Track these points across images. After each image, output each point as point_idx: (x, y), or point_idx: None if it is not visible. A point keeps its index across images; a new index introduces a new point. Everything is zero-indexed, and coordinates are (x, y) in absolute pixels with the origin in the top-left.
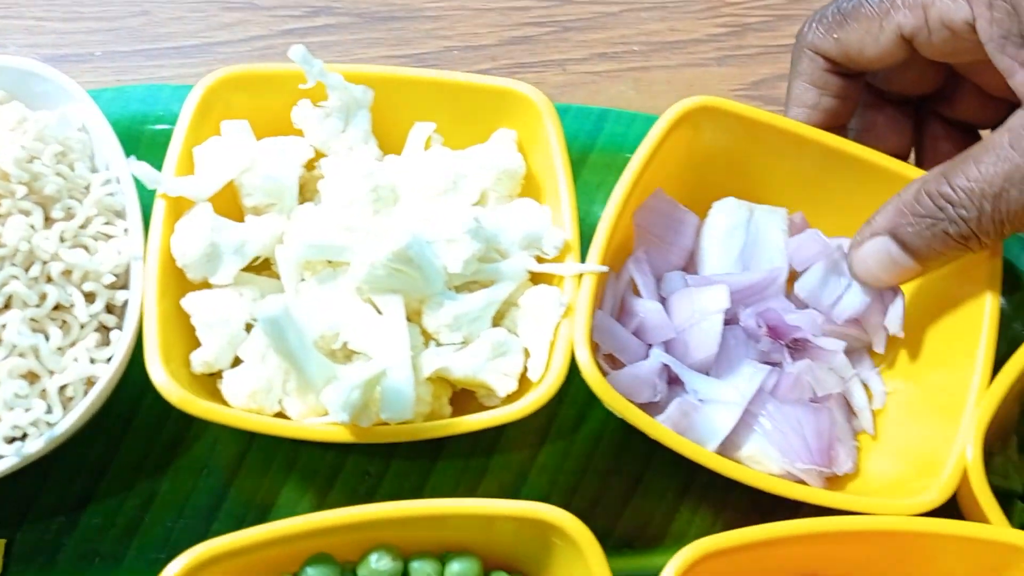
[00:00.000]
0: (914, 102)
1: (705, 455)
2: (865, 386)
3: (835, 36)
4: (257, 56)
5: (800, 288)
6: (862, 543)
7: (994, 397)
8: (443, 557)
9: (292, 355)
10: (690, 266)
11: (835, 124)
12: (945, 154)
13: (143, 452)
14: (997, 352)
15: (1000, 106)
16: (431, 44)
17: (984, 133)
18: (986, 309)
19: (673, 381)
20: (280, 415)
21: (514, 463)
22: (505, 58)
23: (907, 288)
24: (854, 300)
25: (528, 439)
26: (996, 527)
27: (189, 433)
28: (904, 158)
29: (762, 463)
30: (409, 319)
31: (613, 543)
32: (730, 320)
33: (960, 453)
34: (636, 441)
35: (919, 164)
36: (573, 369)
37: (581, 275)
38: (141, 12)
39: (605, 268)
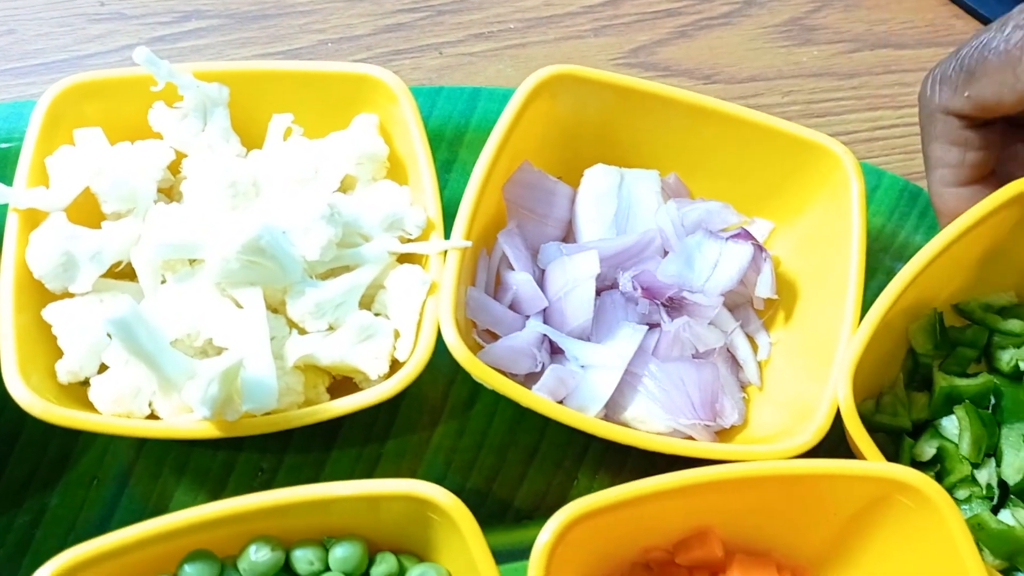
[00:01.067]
0: None
1: (581, 419)
2: (751, 338)
3: (966, 95)
4: (129, 66)
5: (663, 275)
6: (741, 490)
7: (862, 337)
8: (326, 543)
9: (147, 355)
10: (569, 236)
11: (985, 174)
12: None
13: (30, 468)
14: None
15: None
16: (305, 39)
17: None
18: (852, 253)
19: (556, 351)
20: (152, 417)
21: (409, 446)
22: (381, 47)
23: (783, 235)
24: (723, 277)
25: (422, 420)
26: (868, 463)
27: (77, 446)
28: None
29: (648, 422)
30: (275, 310)
31: (513, 516)
32: (612, 285)
33: (832, 395)
34: (531, 414)
35: None
36: None
37: (446, 252)
38: (7, 31)
39: (467, 243)
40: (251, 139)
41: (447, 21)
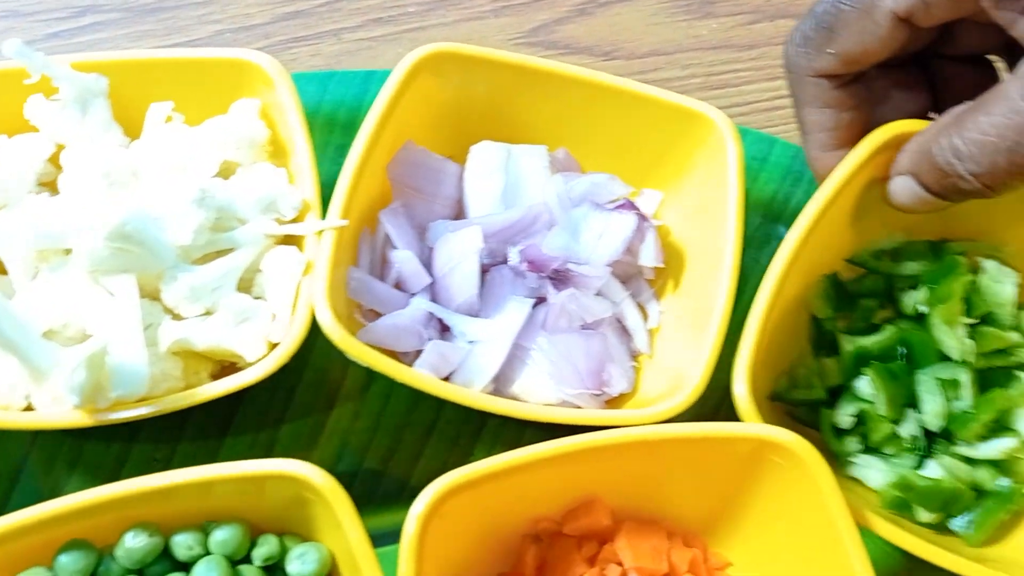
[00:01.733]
0: (916, 57)
1: (457, 393)
2: (642, 308)
3: (830, 52)
4: None
5: (549, 248)
6: (621, 456)
7: (762, 306)
8: (206, 527)
9: (14, 347)
10: (460, 215)
11: (861, 132)
12: (965, 94)
13: None
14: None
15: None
16: (203, 30)
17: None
18: (730, 218)
19: (446, 328)
20: (30, 409)
21: (304, 430)
22: (279, 35)
23: (672, 204)
24: (608, 247)
25: (318, 404)
26: (736, 424)
27: None
28: (925, 115)
29: (537, 394)
30: (153, 297)
31: (408, 495)
32: (504, 261)
33: (705, 360)
34: (427, 394)
35: (939, 112)
36: None
37: (322, 232)
38: None
39: (343, 222)
40: (136, 129)
41: (345, 7)
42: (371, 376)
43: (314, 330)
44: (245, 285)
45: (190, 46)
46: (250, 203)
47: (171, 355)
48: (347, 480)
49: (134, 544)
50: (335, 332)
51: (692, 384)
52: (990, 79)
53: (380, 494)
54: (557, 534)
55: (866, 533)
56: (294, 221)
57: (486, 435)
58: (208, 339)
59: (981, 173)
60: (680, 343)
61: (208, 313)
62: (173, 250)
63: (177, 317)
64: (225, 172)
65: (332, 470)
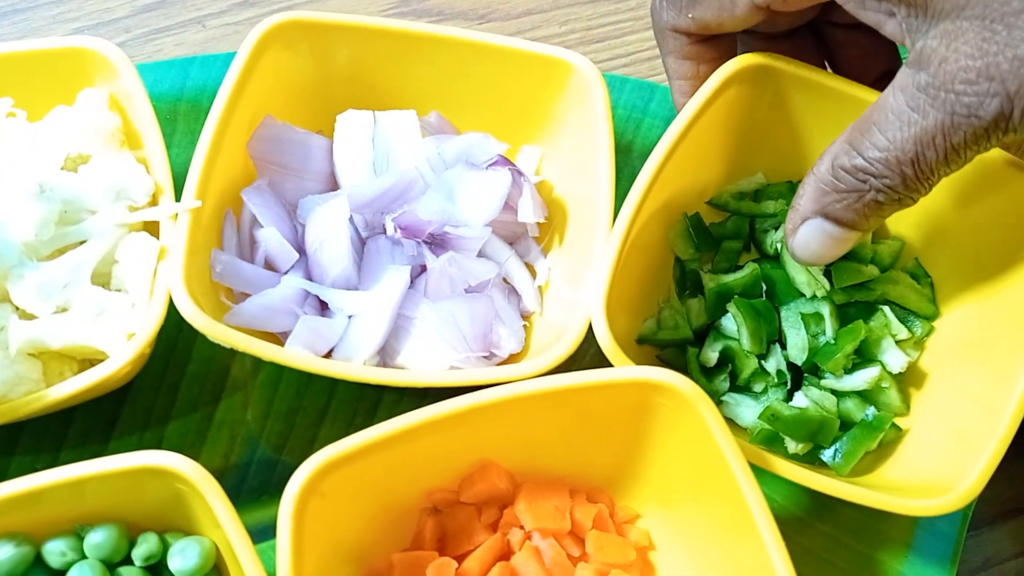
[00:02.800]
0: (804, 27)
1: (332, 368)
2: (531, 267)
3: (690, 16)
4: None
5: (425, 212)
6: (506, 415)
7: (615, 243)
8: (80, 531)
9: None
10: (336, 189)
11: None
12: (858, 58)
13: None
14: None
15: None
16: (60, 28)
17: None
18: (602, 163)
19: (326, 306)
20: None
21: (192, 425)
22: (141, 27)
23: (552, 158)
24: (485, 207)
25: (204, 397)
26: (617, 369)
27: None
28: None
29: (425, 363)
30: (2, 299)
31: None
32: (381, 233)
33: (584, 307)
34: (318, 376)
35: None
36: None
37: (177, 216)
38: None
39: (197, 203)
40: None
41: None
42: (259, 364)
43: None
44: (103, 279)
45: None
46: (99, 192)
47: (27, 357)
48: (241, 471)
49: (2, 556)
50: (195, 317)
51: (572, 336)
52: (883, 41)
53: (275, 482)
54: (455, 504)
55: (764, 479)
56: (146, 207)
57: (382, 412)
58: (64, 337)
59: (895, 184)
60: (568, 297)
61: (63, 310)
62: (16, 247)
63: (29, 317)
64: (77, 165)
65: (224, 462)
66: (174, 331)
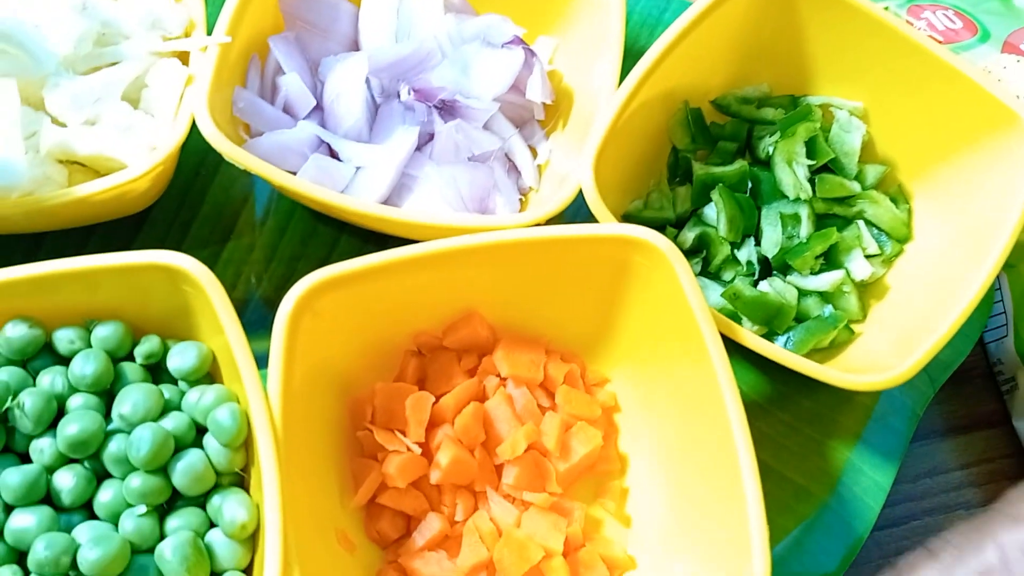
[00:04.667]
0: None
1: (339, 201)
2: (533, 149)
3: None
4: None
5: (438, 81)
6: (494, 263)
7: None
8: (88, 324)
9: None
10: None
11: None
12: None
13: None
14: None
15: None
16: None
17: None
18: (612, 46)
19: (335, 156)
20: None
21: (199, 259)
22: None
23: (565, 50)
24: (496, 81)
25: (214, 237)
26: (601, 224)
27: None
28: None
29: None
30: (38, 107)
31: None
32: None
33: (581, 167)
34: (321, 228)
35: None
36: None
37: (207, 48)
38: None
39: (227, 38)
40: None
41: None
42: (267, 212)
43: (210, 166)
44: (132, 102)
45: None
46: (136, 20)
47: (55, 162)
48: (240, 306)
49: (14, 334)
50: (217, 139)
51: (563, 195)
52: None
53: (272, 320)
54: (438, 348)
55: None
56: (179, 38)
57: None
58: (91, 146)
59: None
60: (563, 168)
61: (91, 123)
62: (55, 57)
63: (60, 125)
64: None
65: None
66: (191, 174)
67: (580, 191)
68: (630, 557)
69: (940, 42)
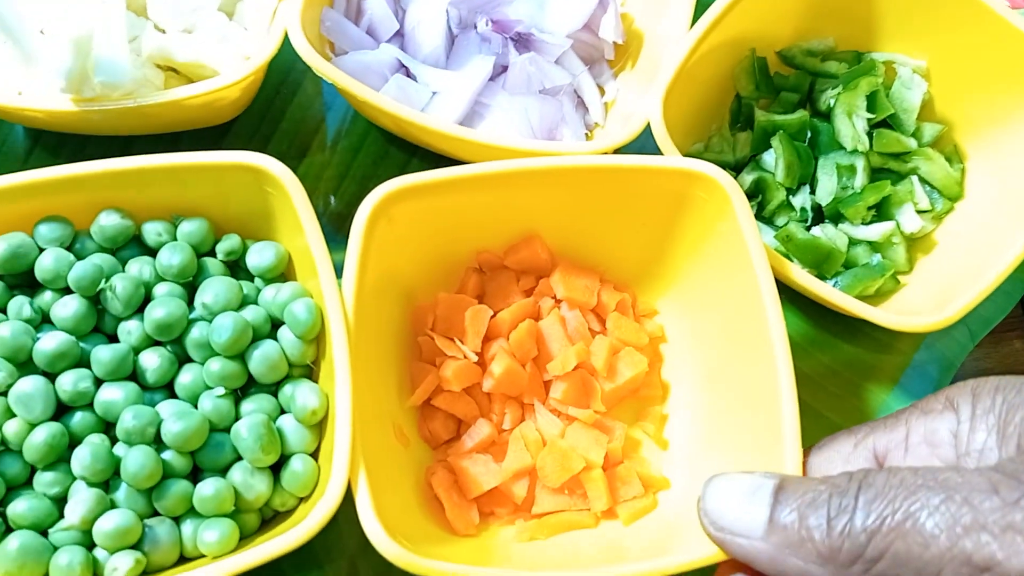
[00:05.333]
0: None
1: (418, 118)
2: (601, 88)
3: None
4: None
5: (515, 14)
6: (559, 187)
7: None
8: (175, 220)
9: (12, 33)
10: None
11: None
12: None
13: None
14: None
15: None
16: None
17: None
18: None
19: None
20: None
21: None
22: None
23: None
24: (571, 17)
25: (291, 153)
26: (666, 157)
27: None
28: None
29: None
30: (140, 13)
31: None
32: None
33: (649, 103)
34: (393, 151)
35: None
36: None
37: None
38: None
39: None
40: None
41: None
42: (340, 133)
43: (291, 84)
44: (227, 14)
45: None
46: None
47: (154, 66)
48: None
49: (108, 222)
50: (307, 51)
51: (631, 127)
52: None
53: (344, 233)
54: (498, 266)
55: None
56: None
57: None
58: (188, 53)
59: None
60: (630, 103)
61: (188, 32)
62: None
63: (160, 31)
64: None
65: None
66: (272, 91)
67: (645, 128)
68: (664, 478)
69: (1010, 7)
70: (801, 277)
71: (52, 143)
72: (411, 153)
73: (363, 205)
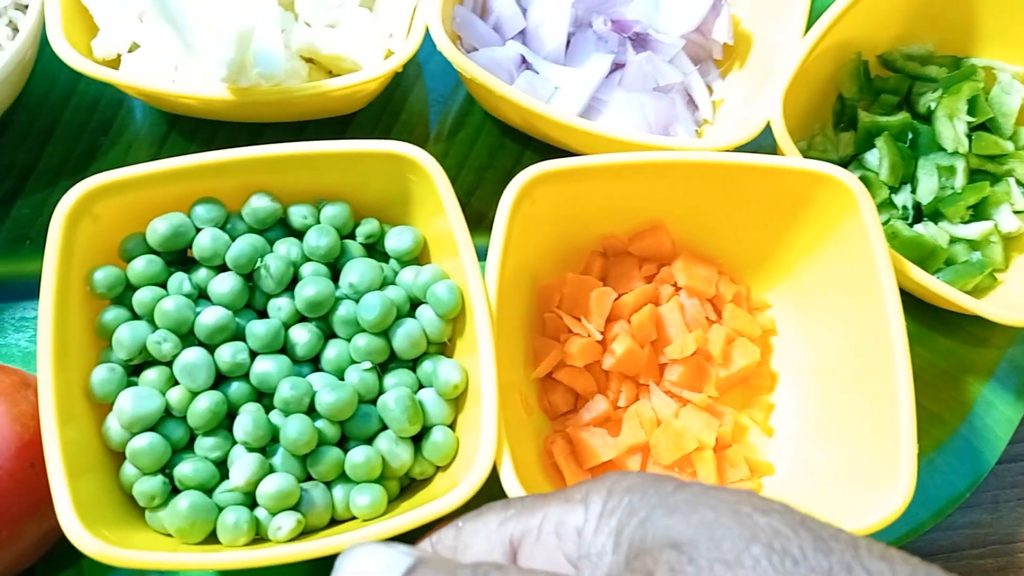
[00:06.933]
0: None
1: (546, 111)
2: (709, 87)
3: None
4: None
5: (632, 14)
6: (687, 181)
7: (797, 59)
8: (318, 204)
9: (174, 21)
10: None
11: None
12: None
13: (63, 157)
14: None
15: None
16: None
17: None
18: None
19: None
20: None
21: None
22: None
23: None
24: (686, 19)
25: (412, 141)
26: (794, 158)
27: (105, 140)
28: None
29: None
30: (285, 8)
31: (487, 225)
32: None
33: (767, 106)
34: (508, 142)
35: None
36: (461, 89)
37: None
38: None
39: None
40: None
41: None
42: (459, 124)
43: (411, 77)
44: (367, 7)
45: None
46: None
47: (300, 58)
48: None
49: (259, 204)
50: (446, 44)
51: (755, 124)
52: None
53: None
54: (623, 252)
55: None
56: None
57: None
58: (333, 46)
59: None
60: (740, 101)
61: (333, 26)
62: None
63: (306, 25)
64: None
65: None
66: (394, 84)
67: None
68: (769, 464)
69: None
70: (918, 274)
71: (188, 129)
72: (524, 145)
73: (510, 186)
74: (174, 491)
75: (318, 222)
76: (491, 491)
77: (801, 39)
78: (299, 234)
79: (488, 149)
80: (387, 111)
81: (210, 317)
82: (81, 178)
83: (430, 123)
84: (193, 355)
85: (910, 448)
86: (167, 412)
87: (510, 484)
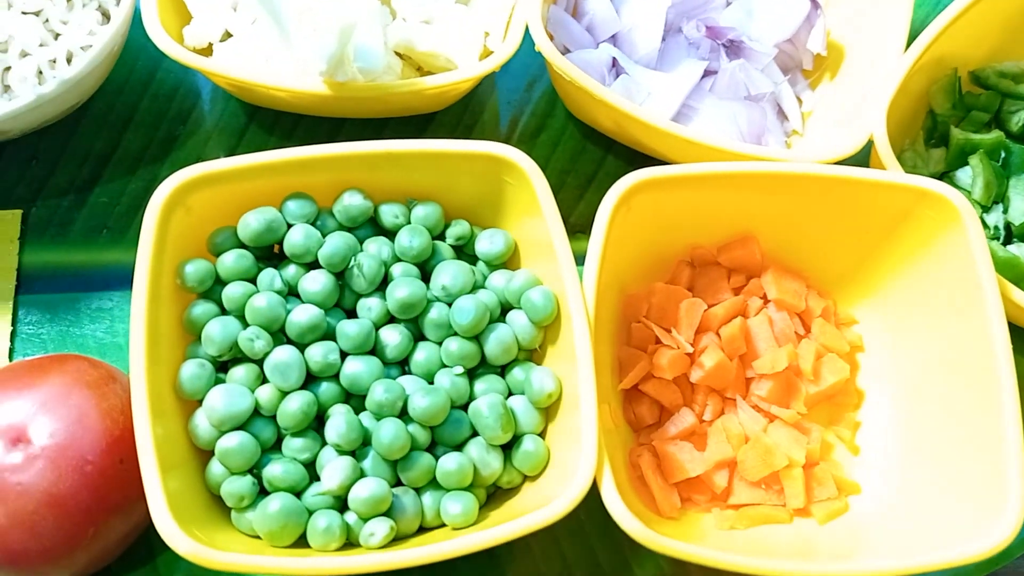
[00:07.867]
0: None
1: (641, 114)
2: (799, 98)
3: None
4: None
5: (725, 21)
6: (781, 192)
7: (898, 76)
8: (409, 204)
9: (276, 13)
10: None
11: None
12: None
13: (143, 145)
14: None
15: None
16: None
17: None
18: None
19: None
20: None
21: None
22: None
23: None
24: (780, 27)
25: (493, 140)
26: (897, 173)
27: (184, 130)
28: None
29: None
30: (381, 2)
31: (569, 229)
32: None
33: (867, 120)
34: (590, 146)
35: None
36: (538, 89)
37: None
38: None
39: None
40: None
41: None
42: (540, 127)
43: (492, 77)
44: (463, 1)
45: None
46: None
47: (395, 54)
48: None
49: (351, 201)
50: (547, 46)
51: (858, 138)
52: None
53: None
54: (711, 263)
55: None
56: None
57: None
58: (428, 43)
59: None
60: (833, 125)
61: (428, 22)
62: None
63: (403, 21)
64: None
65: None
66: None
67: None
68: (856, 483)
69: None
70: (1019, 296)
71: (267, 121)
72: (607, 149)
73: (610, 192)
74: (262, 492)
75: (408, 222)
76: (586, 504)
77: (902, 54)
78: (388, 233)
79: (570, 152)
80: (468, 111)
81: (302, 316)
82: (159, 168)
83: (521, 124)
84: (285, 354)
85: (1019, 471)
86: (255, 411)
87: (611, 499)
